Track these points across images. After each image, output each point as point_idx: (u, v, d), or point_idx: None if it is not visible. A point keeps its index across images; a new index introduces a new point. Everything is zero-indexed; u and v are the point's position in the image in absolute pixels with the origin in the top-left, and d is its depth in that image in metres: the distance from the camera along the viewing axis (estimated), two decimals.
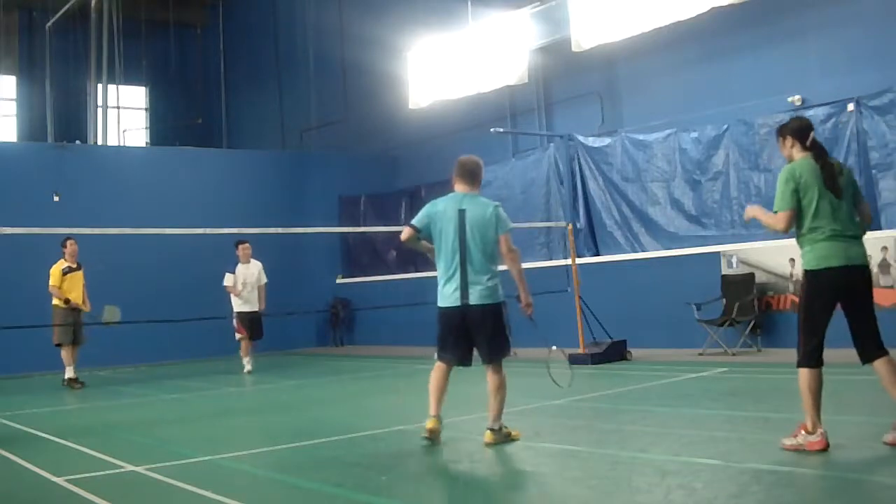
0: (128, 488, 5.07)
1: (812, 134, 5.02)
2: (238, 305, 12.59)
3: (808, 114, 11.12)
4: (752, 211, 5.22)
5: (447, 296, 5.71)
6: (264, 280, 12.80)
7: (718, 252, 11.69)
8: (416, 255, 17.49)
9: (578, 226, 13.80)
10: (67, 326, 11.26)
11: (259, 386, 11.34)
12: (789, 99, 11.64)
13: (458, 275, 5.64)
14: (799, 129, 5.03)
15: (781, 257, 11.01)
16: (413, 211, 17.33)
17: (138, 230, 10.59)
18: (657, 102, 13.36)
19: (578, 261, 12.18)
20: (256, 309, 12.67)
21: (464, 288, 5.60)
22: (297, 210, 17.02)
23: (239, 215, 14.89)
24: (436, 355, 5.91)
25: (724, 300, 11.19)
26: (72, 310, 11.41)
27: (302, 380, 11.79)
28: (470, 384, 6.83)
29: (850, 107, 10.66)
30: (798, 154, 5.00)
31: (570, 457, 5.45)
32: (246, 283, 12.60)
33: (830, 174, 4.88)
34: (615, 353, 11.04)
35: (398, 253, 18.00)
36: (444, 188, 18.71)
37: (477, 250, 5.62)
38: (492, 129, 15.02)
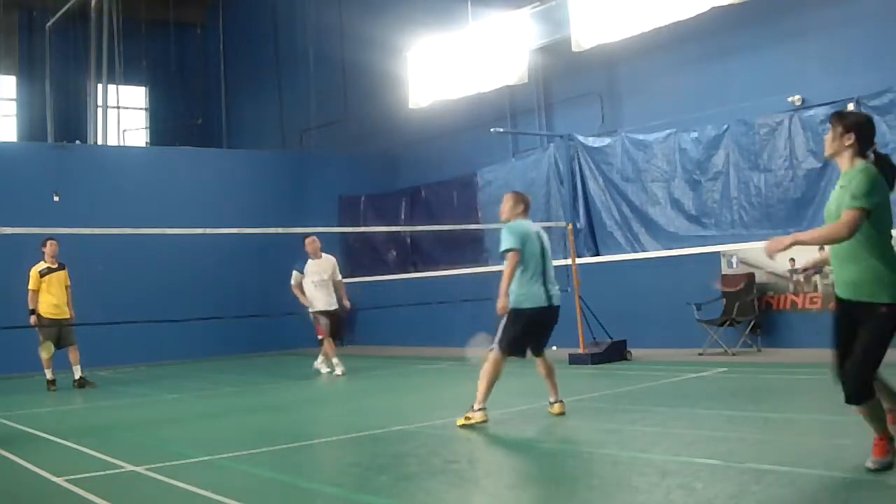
0: (128, 488, 5.07)
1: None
2: (314, 304, 11.75)
3: (808, 114, 11.16)
4: (790, 240, 4.51)
5: (537, 298, 6.78)
6: (339, 276, 11.97)
7: (718, 252, 11.70)
8: (416, 256, 17.53)
9: (578, 226, 13.80)
10: (49, 331, 11.09)
11: (259, 386, 11.34)
12: (789, 99, 11.64)
13: (542, 282, 6.85)
14: (869, 131, 4.34)
15: (781, 257, 10.99)
16: (413, 211, 17.56)
17: (138, 230, 10.58)
18: (657, 102, 13.35)
19: (578, 261, 12.19)
20: (335, 307, 11.78)
21: (547, 292, 6.86)
22: (297, 210, 17.02)
23: (239, 215, 14.89)
24: (501, 349, 6.73)
25: (724, 300, 11.20)
26: (50, 320, 11.15)
27: (301, 380, 11.79)
28: (467, 384, 6.84)
29: (850, 107, 10.66)
30: (857, 159, 4.31)
31: (570, 457, 5.45)
32: (317, 279, 11.74)
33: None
34: (615, 353, 11.04)
35: (398, 253, 18.01)
36: (444, 188, 18.73)
37: (550, 264, 7.00)
38: (492, 129, 15.02)
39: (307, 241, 11.96)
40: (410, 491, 4.66)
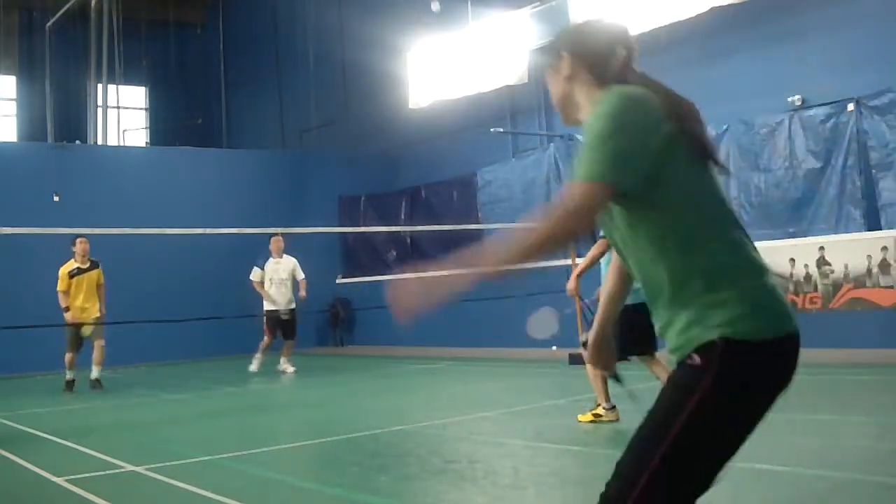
0: (128, 488, 5.07)
1: None
2: (267, 304, 11.98)
3: (808, 114, 11.16)
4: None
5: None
6: (301, 276, 12.08)
7: None
8: (416, 256, 17.50)
9: None
10: (74, 332, 10.82)
11: (259, 386, 11.34)
12: (789, 99, 11.63)
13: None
14: (597, 46, 2.35)
15: (781, 257, 11.00)
16: (413, 211, 17.56)
17: (138, 230, 10.59)
18: None
19: (578, 261, 12.16)
20: (293, 307, 12.05)
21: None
22: (297, 210, 17.02)
23: (239, 215, 14.89)
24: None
25: None
26: (74, 324, 10.81)
27: (302, 380, 11.79)
28: (467, 384, 6.84)
29: (850, 107, 10.67)
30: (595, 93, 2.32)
31: (570, 457, 5.45)
32: (273, 279, 11.99)
33: None
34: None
35: (398, 253, 18.01)
36: (444, 188, 18.70)
37: None
38: (492, 129, 15.02)
39: (273, 239, 12.17)
40: (410, 491, 4.66)
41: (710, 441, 1.91)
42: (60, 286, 10.82)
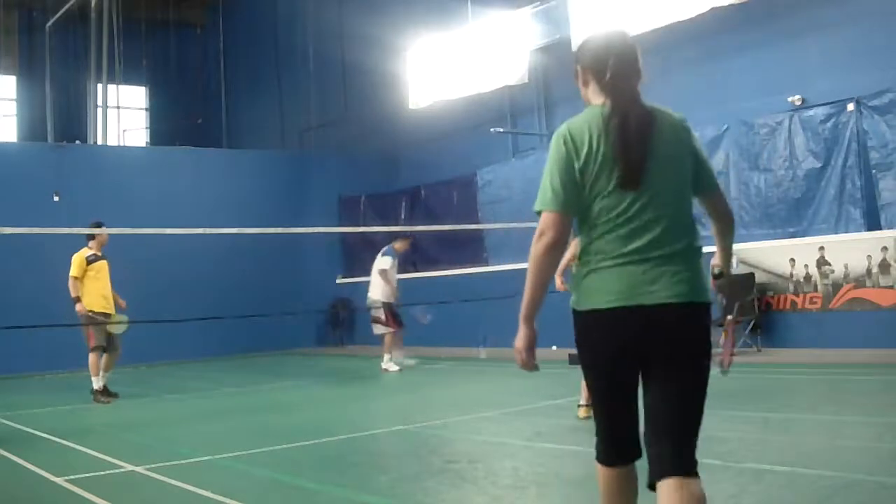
0: (128, 488, 5.07)
1: None
2: (389, 295, 12.04)
3: (808, 114, 11.16)
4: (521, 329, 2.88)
5: None
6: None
7: None
8: (416, 256, 17.49)
9: None
10: (101, 328, 9.59)
11: (259, 386, 11.34)
12: (789, 99, 11.64)
13: None
14: (591, 52, 2.87)
15: (781, 257, 11.00)
16: (413, 211, 17.56)
17: (138, 230, 10.58)
18: (657, 102, 13.32)
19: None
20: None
21: None
22: (297, 210, 17.03)
23: (239, 215, 14.90)
24: None
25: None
26: (101, 315, 9.67)
27: (302, 380, 11.79)
28: (467, 384, 6.84)
29: (850, 107, 10.66)
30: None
31: (570, 457, 5.44)
32: (394, 269, 12.24)
33: None
34: None
35: None
36: (444, 188, 18.74)
37: None
38: (492, 129, 15.03)
39: (405, 239, 12.49)
40: (410, 491, 4.66)
41: None
42: (76, 272, 9.66)
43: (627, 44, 2.82)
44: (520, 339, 2.75)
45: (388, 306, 11.95)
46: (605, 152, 2.63)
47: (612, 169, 2.63)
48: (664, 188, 2.69)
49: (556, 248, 2.64)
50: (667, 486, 2.52)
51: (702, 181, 2.85)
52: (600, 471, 2.77)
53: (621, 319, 2.60)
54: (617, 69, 2.74)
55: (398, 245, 12.35)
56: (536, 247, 2.65)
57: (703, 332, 2.66)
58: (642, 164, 2.64)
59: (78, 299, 9.63)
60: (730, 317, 4.20)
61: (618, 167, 2.63)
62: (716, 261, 3.06)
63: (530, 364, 2.76)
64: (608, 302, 2.61)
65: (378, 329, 12.19)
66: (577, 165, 2.63)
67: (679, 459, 2.54)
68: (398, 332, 12.11)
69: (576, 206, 2.66)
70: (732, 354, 3.48)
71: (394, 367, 11.92)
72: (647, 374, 2.66)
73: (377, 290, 12.11)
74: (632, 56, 2.82)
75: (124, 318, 10.05)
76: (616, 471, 2.74)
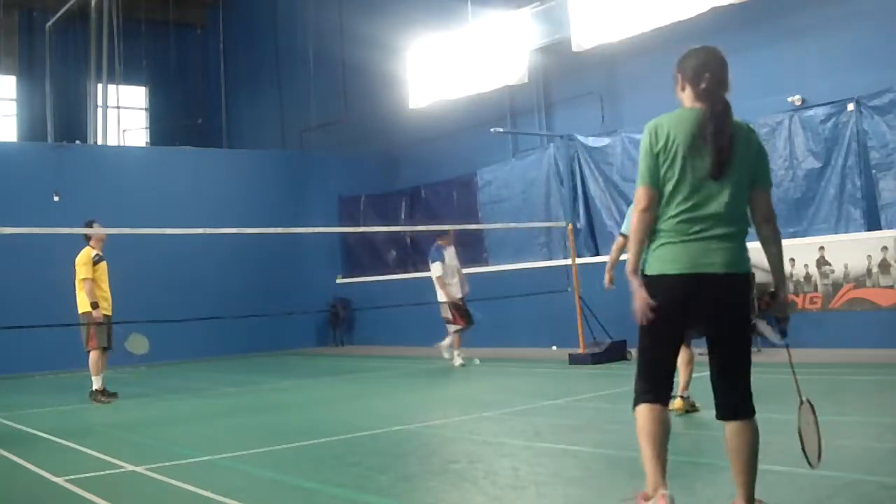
0: (128, 488, 5.07)
1: None
2: (445, 296, 11.97)
3: (808, 114, 11.15)
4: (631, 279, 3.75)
5: None
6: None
7: None
8: (416, 256, 17.49)
9: (578, 226, 13.80)
10: (103, 327, 9.46)
11: (259, 386, 11.34)
12: (789, 99, 11.64)
13: None
14: (691, 63, 3.67)
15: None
16: (413, 211, 17.56)
17: (138, 230, 10.58)
18: (657, 102, 13.18)
19: (578, 261, 12.18)
20: (462, 295, 12.11)
21: None
22: (297, 210, 17.03)
23: (239, 215, 14.91)
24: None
25: None
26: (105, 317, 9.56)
27: (302, 380, 11.79)
28: (467, 384, 6.83)
29: (850, 107, 10.66)
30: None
31: (570, 457, 5.44)
32: (450, 267, 12.06)
33: None
34: (615, 352, 11.04)
35: (398, 253, 18.02)
36: (444, 188, 18.73)
37: None
38: (492, 129, 15.03)
39: (450, 234, 12.26)
40: (410, 491, 4.66)
41: None
42: (87, 273, 9.38)
43: (719, 60, 3.62)
44: (638, 298, 3.38)
45: (453, 305, 11.92)
46: (686, 146, 3.39)
47: (690, 160, 3.38)
48: (736, 180, 3.40)
49: (647, 211, 3.39)
50: (739, 426, 3.41)
51: (760, 177, 3.51)
52: (642, 412, 3.44)
53: (684, 282, 3.35)
54: (711, 81, 3.52)
55: (442, 241, 12.20)
56: (634, 213, 3.43)
57: (747, 297, 3.47)
58: (731, 159, 3.39)
59: (96, 305, 9.43)
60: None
61: (710, 160, 3.36)
62: (762, 278, 3.83)
63: (648, 307, 3.37)
64: (677, 269, 3.36)
65: (450, 327, 12.17)
66: (655, 151, 3.42)
67: (746, 405, 3.44)
68: (464, 328, 12.05)
69: (657, 183, 3.41)
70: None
71: (459, 361, 11.90)
72: (711, 339, 3.47)
73: (439, 293, 12.12)
74: (723, 71, 3.61)
75: (144, 339, 10.13)
76: (658, 407, 3.44)
